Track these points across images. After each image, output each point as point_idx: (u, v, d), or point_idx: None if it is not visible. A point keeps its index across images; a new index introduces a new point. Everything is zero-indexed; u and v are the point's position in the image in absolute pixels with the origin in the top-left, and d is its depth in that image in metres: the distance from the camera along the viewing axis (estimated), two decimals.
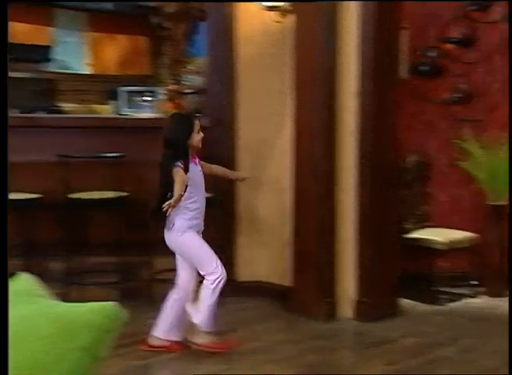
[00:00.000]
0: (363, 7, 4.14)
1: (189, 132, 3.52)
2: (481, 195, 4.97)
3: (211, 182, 4.49)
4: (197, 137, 3.54)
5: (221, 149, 4.72)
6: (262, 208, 4.73)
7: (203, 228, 3.71)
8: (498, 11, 4.99)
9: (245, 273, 4.78)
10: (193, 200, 3.57)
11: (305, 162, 4.31)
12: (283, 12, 4.40)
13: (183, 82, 5.30)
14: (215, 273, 3.55)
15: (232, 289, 4.55)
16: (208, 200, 3.90)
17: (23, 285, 2.25)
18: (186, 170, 3.46)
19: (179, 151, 3.49)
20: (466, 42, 5.06)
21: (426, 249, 4.92)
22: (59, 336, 2.11)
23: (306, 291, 4.31)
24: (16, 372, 1.97)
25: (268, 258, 4.73)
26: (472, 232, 4.97)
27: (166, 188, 3.47)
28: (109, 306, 2.00)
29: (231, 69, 4.69)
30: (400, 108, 4.58)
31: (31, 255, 4.40)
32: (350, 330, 4.18)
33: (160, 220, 3.60)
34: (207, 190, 3.92)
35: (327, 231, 4.27)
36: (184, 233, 3.59)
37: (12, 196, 4.15)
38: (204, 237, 3.82)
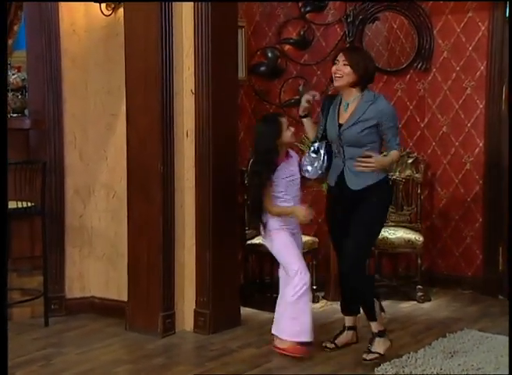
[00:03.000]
0: (197, 4, 3.91)
1: (278, 132, 3.57)
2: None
3: (34, 189, 4.12)
4: (287, 134, 3.59)
5: (44, 152, 4.31)
6: (95, 217, 4.34)
7: (298, 229, 3.76)
8: (332, 13, 5.00)
9: (75, 288, 4.40)
10: (283, 199, 3.62)
11: (140, 165, 4.00)
12: (112, 4, 4.06)
13: None
14: (296, 276, 3.56)
15: (59, 307, 4.25)
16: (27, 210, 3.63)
17: None
18: (273, 172, 3.57)
19: (269, 155, 3.58)
20: (302, 43, 5.02)
21: (268, 255, 4.66)
22: None
23: (141, 305, 3.99)
24: None
25: (101, 271, 4.35)
26: (312, 236, 4.81)
27: (260, 193, 3.57)
28: None
29: (55, 65, 4.28)
30: (240, 109, 4.44)
31: None
32: (189, 344, 3.93)
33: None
34: (29, 198, 3.51)
35: (165, 239, 3.98)
36: (274, 233, 3.65)
37: None
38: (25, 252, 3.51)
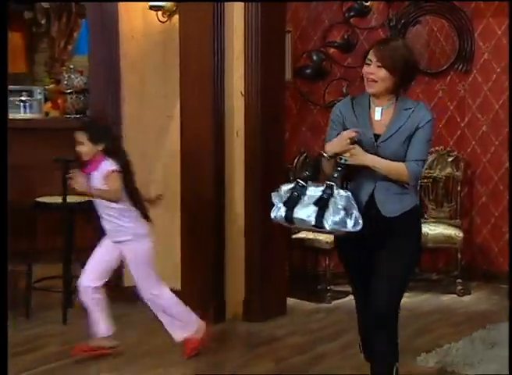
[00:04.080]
0: (248, 9, 4.09)
1: None
2: None
3: None
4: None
5: None
6: (151, 210, 4.50)
7: None
8: (375, 17, 5.09)
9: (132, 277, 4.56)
10: None
11: (193, 163, 4.20)
12: (168, 12, 4.25)
13: (65, 81, 5.02)
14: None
15: (117, 294, 4.39)
16: (89, 204, 3.80)
17: None
18: None
19: None
20: (346, 47, 5.11)
21: (312, 249, 4.90)
22: None
23: (194, 293, 4.17)
24: None
25: (156, 261, 4.54)
26: None
27: None
28: None
29: (115, 68, 4.49)
30: (286, 109, 4.56)
31: None
32: (239, 331, 4.12)
33: None
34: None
35: (216, 232, 4.17)
36: None
37: None
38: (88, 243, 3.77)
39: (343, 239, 2.79)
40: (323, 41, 5.12)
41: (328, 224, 2.60)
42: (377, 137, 2.70)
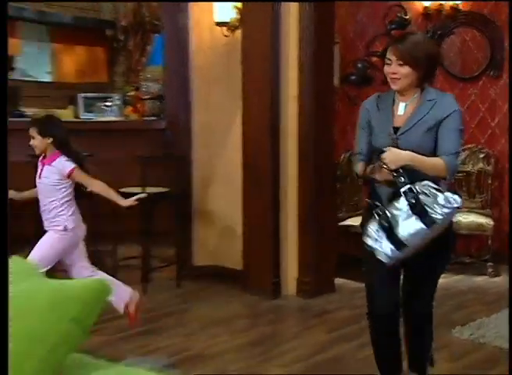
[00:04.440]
0: (301, 22, 4.32)
1: None
2: None
3: (166, 178, 4.76)
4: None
5: (177, 148, 4.95)
6: (216, 201, 4.89)
7: None
8: (414, 30, 5.21)
9: (200, 258, 4.97)
10: None
11: (253, 160, 4.52)
12: (231, 27, 4.60)
13: (143, 88, 5.47)
14: None
15: (188, 273, 4.86)
16: (164, 194, 4.23)
17: (21, 266, 2.28)
18: None
19: None
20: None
21: (356, 234, 4.76)
22: (53, 308, 2.05)
23: (255, 273, 4.55)
24: (16, 342, 1.92)
25: (222, 244, 4.89)
26: None
27: None
28: (98, 282, 2.01)
29: (186, 77, 4.86)
30: (334, 112, 4.79)
31: None
32: (294, 305, 4.44)
33: None
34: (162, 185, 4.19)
35: (273, 220, 4.47)
36: None
37: None
38: (163, 228, 4.13)
39: (370, 258, 2.54)
40: (367, 51, 5.41)
41: (439, 216, 2.37)
42: (397, 130, 2.58)
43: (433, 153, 2.53)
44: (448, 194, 2.41)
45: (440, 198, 2.39)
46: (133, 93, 5.90)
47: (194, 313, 4.25)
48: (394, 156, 2.47)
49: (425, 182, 2.42)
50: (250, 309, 4.38)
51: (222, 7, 4.58)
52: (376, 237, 2.45)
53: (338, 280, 4.81)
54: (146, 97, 5.36)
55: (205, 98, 4.88)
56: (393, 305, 2.72)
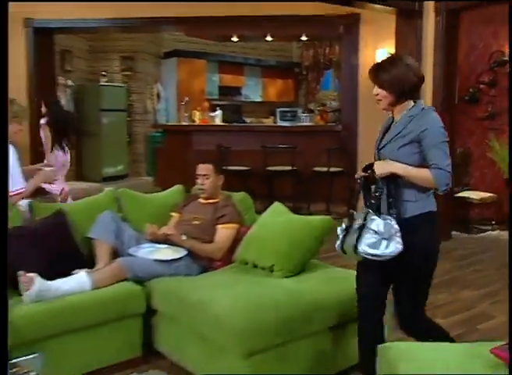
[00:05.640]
0: (436, 48, 5.73)
1: None
2: (499, 172, 6.52)
3: (341, 162, 6.72)
4: None
5: (349, 145, 7.03)
6: None
7: None
8: (508, 66, 6.54)
9: None
10: None
11: None
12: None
13: (328, 104, 7.79)
14: None
15: None
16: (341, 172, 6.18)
17: (280, 208, 3.52)
18: None
19: None
20: (492, 84, 6.93)
21: (467, 202, 6.59)
22: (304, 229, 3.17)
23: None
24: (283, 246, 3.04)
25: None
26: (493, 193, 6.70)
27: None
28: (328, 218, 3.21)
29: (355, 97, 6.92)
30: (455, 123, 6.08)
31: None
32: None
33: None
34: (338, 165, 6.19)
35: None
36: None
37: (234, 168, 6.76)
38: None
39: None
40: (477, 80, 7.00)
41: (360, 249, 2.50)
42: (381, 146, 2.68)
43: (416, 166, 2.57)
44: (384, 243, 2.48)
45: (372, 239, 2.49)
46: (320, 107, 8.15)
47: None
48: (382, 164, 2.59)
49: (389, 217, 2.52)
50: None
51: (383, 52, 6.69)
52: (340, 232, 2.70)
53: (453, 233, 6.44)
54: (329, 110, 7.60)
55: (367, 111, 6.87)
56: (376, 293, 2.73)
